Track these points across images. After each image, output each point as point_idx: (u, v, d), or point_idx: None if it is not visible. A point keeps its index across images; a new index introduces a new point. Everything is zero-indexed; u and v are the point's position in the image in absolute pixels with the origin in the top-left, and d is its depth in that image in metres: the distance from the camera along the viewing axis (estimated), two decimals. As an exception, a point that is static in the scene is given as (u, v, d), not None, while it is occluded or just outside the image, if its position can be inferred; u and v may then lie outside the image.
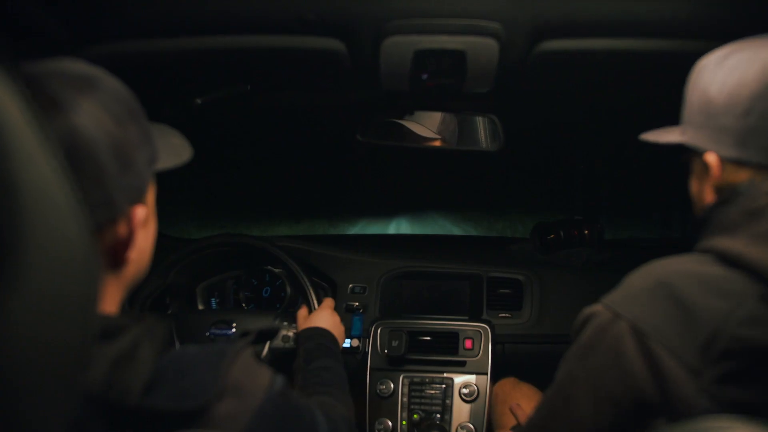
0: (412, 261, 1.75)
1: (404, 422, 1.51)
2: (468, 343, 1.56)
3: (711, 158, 0.80)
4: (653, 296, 0.71)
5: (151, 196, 0.73)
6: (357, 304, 1.68)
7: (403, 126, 1.37)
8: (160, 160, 0.73)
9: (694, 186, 0.88)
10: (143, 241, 0.71)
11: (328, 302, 1.42)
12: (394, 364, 1.56)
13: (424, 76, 1.13)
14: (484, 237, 2.49)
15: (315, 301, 1.45)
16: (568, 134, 2.23)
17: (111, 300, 0.70)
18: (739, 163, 0.77)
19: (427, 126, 1.37)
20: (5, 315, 0.45)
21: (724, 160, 0.79)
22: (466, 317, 1.64)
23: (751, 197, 0.72)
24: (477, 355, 1.54)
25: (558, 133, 2.25)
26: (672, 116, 1.03)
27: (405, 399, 1.53)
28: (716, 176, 0.80)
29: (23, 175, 0.47)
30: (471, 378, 1.53)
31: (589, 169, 2.28)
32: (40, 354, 0.49)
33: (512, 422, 1.34)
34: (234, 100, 1.55)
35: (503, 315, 1.67)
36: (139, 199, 0.67)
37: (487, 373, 1.53)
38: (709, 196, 0.82)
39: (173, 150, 0.78)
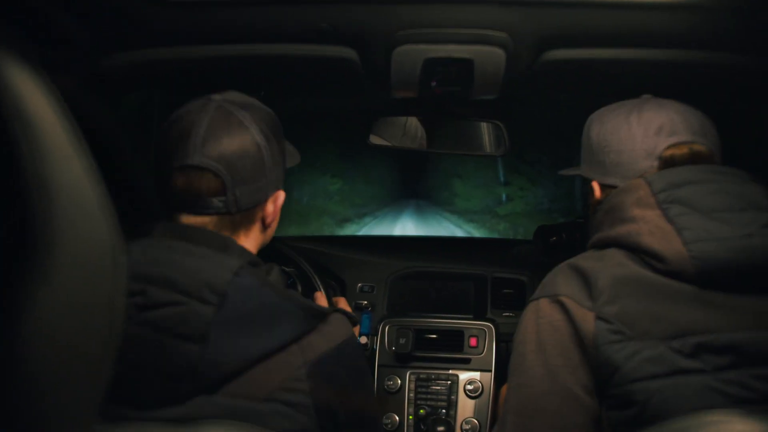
0: (418, 261, 1.80)
1: (411, 417, 1.55)
2: (473, 341, 1.60)
3: (594, 183, 1.13)
4: (556, 278, 1.00)
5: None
6: (366, 302, 1.73)
7: (411, 130, 1.41)
8: (288, 160, 1.04)
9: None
10: (276, 214, 1.02)
11: (343, 301, 1.48)
12: (401, 360, 1.61)
13: (433, 84, 1.18)
14: (488, 239, 2.53)
15: (327, 301, 1.50)
16: (571, 139, 2.26)
17: (253, 250, 0.98)
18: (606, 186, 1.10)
19: (435, 130, 1.42)
20: (38, 308, 0.49)
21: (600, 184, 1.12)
22: (471, 316, 1.68)
23: (606, 201, 1.04)
24: (481, 353, 1.59)
25: (561, 137, 2.29)
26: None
27: (411, 394, 1.57)
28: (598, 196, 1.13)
29: (58, 176, 0.51)
30: (476, 375, 1.57)
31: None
32: (70, 344, 0.53)
33: None
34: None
35: (507, 314, 1.71)
36: (280, 186, 0.99)
37: (491, 371, 1.57)
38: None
39: (291, 154, 1.08)
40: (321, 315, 0.90)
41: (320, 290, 1.51)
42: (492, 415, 1.53)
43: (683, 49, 1.13)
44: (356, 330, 1.43)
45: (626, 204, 0.99)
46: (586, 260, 0.98)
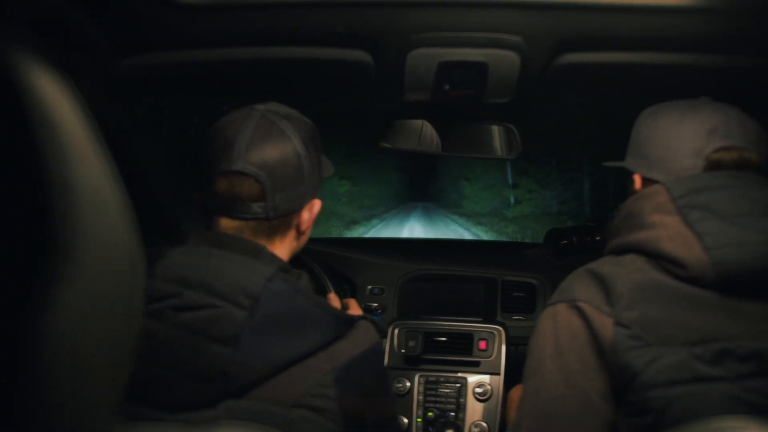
0: (428, 264, 1.80)
1: (419, 419, 1.55)
2: (482, 344, 1.60)
3: (636, 176, 1.11)
4: (571, 285, 0.98)
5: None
6: (375, 305, 1.73)
7: (423, 133, 1.41)
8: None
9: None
10: (310, 223, 1.04)
11: (354, 303, 1.48)
12: (410, 363, 1.61)
13: (447, 87, 1.18)
14: (497, 242, 2.53)
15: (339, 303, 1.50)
16: (578, 140, 2.27)
17: (287, 257, 1.01)
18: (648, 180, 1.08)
19: (447, 133, 1.42)
20: (59, 309, 0.49)
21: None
22: (481, 319, 1.68)
23: (624, 206, 1.03)
24: (491, 356, 1.59)
25: (572, 140, 2.29)
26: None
27: (420, 397, 1.57)
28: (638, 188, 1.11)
29: (79, 179, 0.52)
30: (485, 378, 1.57)
31: (598, 174, 2.31)
32: (90, 345, 0.53)
33: None
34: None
35: (517, 318, 1.71)
36: (316, 195, 1.03)
37: (500, 374, 1.57)
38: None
39: (325, 165, 1.11)
40: (350, 322, 0.92)
41: (332, 292, 1.52)
42: (501, 419, 1.53)
43: (698, 53, 1.13)
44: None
45: (645, 210, 0.98)
46: (604, 265, 0.97)
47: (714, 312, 0.86)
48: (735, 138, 1.01)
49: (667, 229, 0.92)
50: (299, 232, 1.02)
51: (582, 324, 0.92)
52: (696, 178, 0.97)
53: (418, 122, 1.43)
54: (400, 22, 1.03)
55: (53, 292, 0.50)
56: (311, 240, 1.98)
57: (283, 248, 0.99)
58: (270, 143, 0.94)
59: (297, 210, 0.98)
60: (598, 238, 1.77)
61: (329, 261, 1.76)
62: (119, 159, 0.68)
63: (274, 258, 0.92)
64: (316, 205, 1.03)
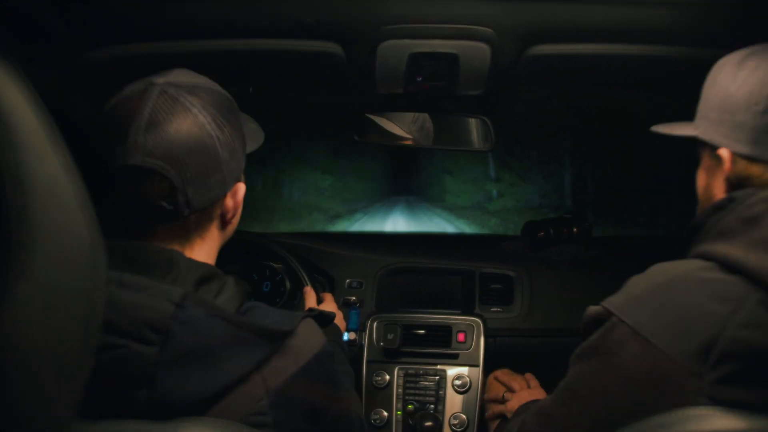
0: (407, 257, 1.80)
1: (399, 412, 1.56)
2: (461, 337, 1.61)
3: (724, 153, 0.83)
4: (655, 300, 0.73)
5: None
6: (354, 298, 1.73)
7: (398, 126, 1.41)
8: (248, 145, 0.92)
9: (701, 179, 0.91)
10: (237, 209, 0.92)
11: (330, 297, 1.48)
12: (389, 356, 1.61)
13: (419, 79, 1.18)
14: (477, 235, 2.54)
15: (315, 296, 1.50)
16: (554, 134, 2.28)
17: (213, 253, 0.90)
18: (751, 159, 0.80)
19: (423, 126, 1.42)
20: (15, 304, 0.48)
21: (736, 156, 0.82)
22: (459, 312, 1.69)
23: (747, 205, 0.75)
24: (469, 348, 1.60)
25: (548, 132, 2.30)
26: (658, 116, 1.08)
27: (400, 390, 1.58)
28: (728, 170, 0.83)
29: (34, 173, 0.51)
30: (464, 370, 1.58)
31: (578, 167, 2.33)
32: (48, 340, 0.52)
33: (500, 408, 1.40)
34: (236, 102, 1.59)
35: (495, 309, 1.72)
36: (239, 177, 0.88)
37: (479, 366, 1.58)
38: (718, 190, 0.86)
39: (253, 134, 0.97)
40: (282, 334, 0.79)
41: (308, 285, 1.51)
42: (480, 410, 1.54)
43: (667, 45, 1.14)
44: (342, 325, 1.42)
45: None
46: (704, 293, 0.71)
47: None
48: None
49: None
50: (224, 223, 0.89)
51: (646, 379, 0.71)
52: None
53: (394, 115, 1.43)
54: (369, 14, 1.03)
55: (9, 288, 0.49)
56: (289, 234, 1.97)
57: (205, 247, 0.87)
58: (173, 126, 0.78)
59: (216, 201, 0.84)
60: (575, 230, 1.78)
61: (306, 255, 1.75)
62: (84, 152, 0.68)
63: (191, 267, 0.80)
64: (240, 190, 0.89)
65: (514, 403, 1.40)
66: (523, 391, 1.44)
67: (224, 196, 0.86)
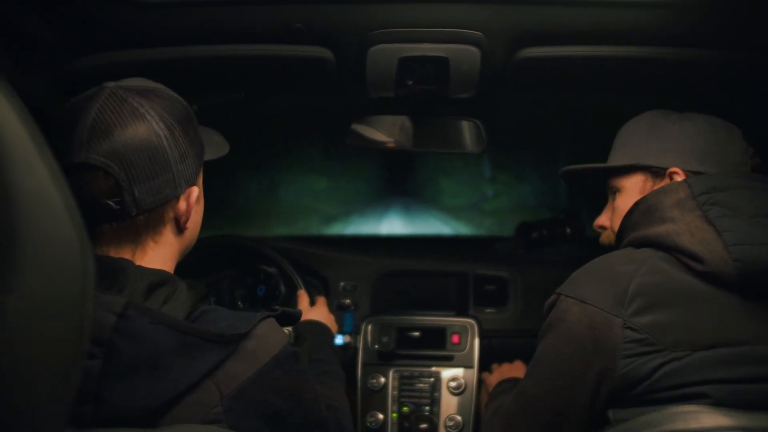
0: (401, 260, 1.81)
1: (394, 415, 1.56)
2: (455, 338, 1.61)
3: (677, 170, 1.08)
4: (587, 276, 0.98)
5: (200, 179, 0.92)
6: (348, 301, 1.73)
7: (390, 130, 1.41)
8: (207, 153, 0.93)
9: (627, 203, 1.11)
10: (196, 215, 0.91)
11: (323, 300, 1.49)
12: (384, 359, 1.61)
13: (410, 83, 1.18)
14: (471, 236, 2.54)
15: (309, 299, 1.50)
16: (549, 134, 2.28)
17: (169, 260, 0.89)
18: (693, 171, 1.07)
19: (415, 129, 1.42)
20: (3, 313, 0.48)
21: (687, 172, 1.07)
22: (454, 313, 1.69)
23: (644, 201, 1.02)
24: (464, 350, 1.60)
25: (541, 133, 2.31)
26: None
27: (395, 392, 1.58)
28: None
29: (20, 181, 0.51)
30: (459, 372, 1.58)
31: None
32: (37, 350, 0.52)
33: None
34: (229, 107, 1.60)
35: (489, 311, 1.72)
36: (193, 182, 0.88)
37: (473, 367, 1.58)
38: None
39: (216, 145, 0.99)
40: (237, 338, 0.77)
41: (302, 289, 1.52)
42: (476, 412, 1.54)
43: (655, 46, 1.14)
44: (334, 327, 1.42)
45: (665, 204, 0.97)
46: (619, 261, 0.96)
47: (730, 313, 0.85)
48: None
49: (687, 224, 0.91)
50: (180, 228, 0.88)
51: (586, 331, 0.90)
52: (718, 177, 0.98)
53: (386, 119, 1.43)
54: (358, 19, 1.03)
55: (-1, 300, 0.49)
56: (283, 238, 1.97)
57: (160, 252, 0.86)
58: (119, 125, 0.78)
59: (167, 201, 0.84)
60: (568, 230, 1.79)
61: (301, 258, 1.75)
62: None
63: (141, 274, 0.79)
64: (194, 192, 0.88)
65: (494, 378, 1.43)
66: (504, 366, 1.48)
67: (176, 198, 0.85)
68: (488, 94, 1.27)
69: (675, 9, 1.03)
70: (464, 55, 1.10)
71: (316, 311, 1.42)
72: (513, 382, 1.34)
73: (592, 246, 1.80)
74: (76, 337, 0.57)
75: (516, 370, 1.47)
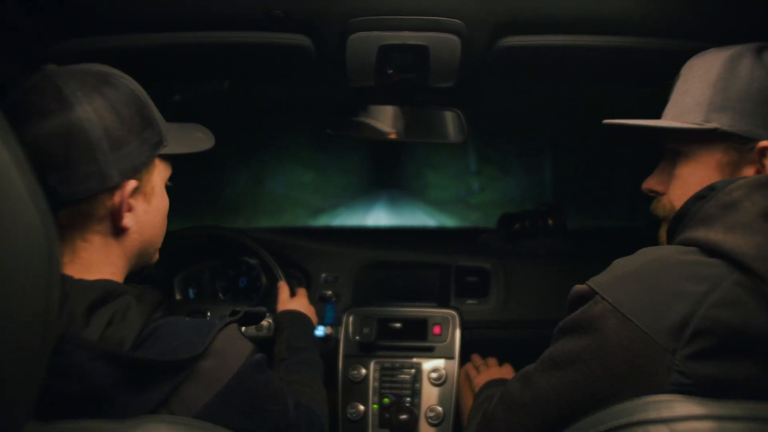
0: (383, 252, 1.80)
1: (375, 406, 1.56)
2: (437, 329, 1.61)
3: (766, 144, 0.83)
4: (635, 280, 0.75)
5: (156, 176, 0.85)
6: (330, 293, 1.73)
7: (371, 119, 1.41)
8: (168, 147, 0.85)
9: (699, 176, 0.89)
10: (144, 214, 0.83)
11: (303, 292, 1.48)
12: (365, 350, 1.61)
13: (390, 71, 1.17)
14: (455, 228, 2.54)
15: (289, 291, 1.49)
16: (535, 126, 2.29)
17: (113, 265, 0.81)
18: None
19: (396, 119, 1.42)
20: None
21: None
22: (435, 305, 1.69)
23: (727, 191, 0.77)
24: (445, 341, 1.60)
25: (526, 126, 2.31)
26: (632, 107, 1.08)
27: (376, 384, 1.58)
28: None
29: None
30: (440, 363, 1.58)
31: (559, 160, 2.34)
32: (2, 338, 0.51)
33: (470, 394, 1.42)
34: (212, 97, 1.58)
35: (471, 302, 1.72)
36: (132, 174, 0.79)
37: (455, 358, 1.58)
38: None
39: (198, 141, 0.92)
40: (191, 360, 0.71)
41: (282, 280, 1.51)
42: (456, 403, 1.54)
43: (637, 36, 1.14)
44: (315, 320, 1.41)
45: (756, 207, 0.73)
46: (683, 272, 0.73)
47: None
48: None
49: None
50: (118, 228, 0.79)
51: (623, 355, 0.72)
52: None
53: (367, 108, 1.42)
54: (337, 6, 1.02)
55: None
56: (264, 230, 1.95)
57: (97, 255, 0.79)
58: (37, 108, 0.73)
59: (92, 195, 0.76)
60: (551, 221, 1.79)
61: (281, 250, 1.74)
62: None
63: (80, 290, 0.72)
64: (129, 186, 0.79)
65: (482, 378, 1.42)
66: (493, 368, 1.46)
67: (107, 192, 0.77)
68: (470, 83, 1.26)
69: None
70: (444, 43, 1.09)
71: (296, 302, 1.42)
72: (502, 383, 1.26)
73: (574, 239, 1.82)
74: (42, 324, 0.56)
75: (504, 372, 1.45)
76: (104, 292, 0.73)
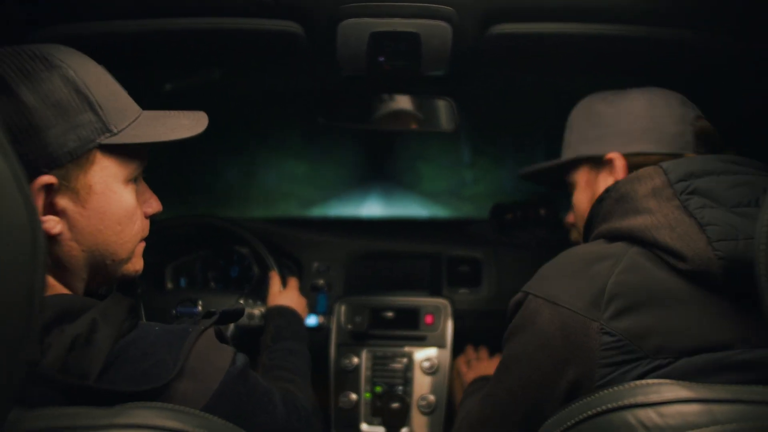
0: (375, 242, 1.80)
1: (367, 394, 1.56)
2: (429, 319, 1.61)
3: (615, 156, 1.05)
4: (557, 273, 0.89)
5: (97, 172, 0.72)
6: (322, 282, 1.73)
7: (362, 108, 1.40)
8: (128, 136, 0.74)
9: (585, 198, 1.11)
10: (80, 218, 0.71)
11: (294, 282, 1.48)
12: (357, 339, 1.61)
13: (381, 59, 1.16)
14: (446, 219, 2.55)
15: (281, 281, 1.49)
16: (529, 119, 2.28)
17: (65, 280, 0.71)
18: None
19: (387, 108, 1.41)
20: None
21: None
22: (427, 293, 1.69)
23: (617, 188, 0.93)
24: (437, 330, 1.60)
25: (519, 117, 2.31)
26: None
27: (368, 372, 1.58)
28: (622, 167, 1.04)
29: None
30: (432, 352, 1.59)
31: (553, 153, 2.34)
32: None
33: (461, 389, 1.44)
34: (203, 88, 1.57)
35: (462, 291, 1.73)
36: (47, 167, 0.67)
37: (447, 347, 1.58)
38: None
39: (167, 130, 0.78)
40: (164, 387, 0.64)
41: (274, 269, 1.50)
42: (448, 392, 1.55)
43: (630, 24, 1.14)
44: (305, 311, 1.41)
45: (639, 193, 0.88)
46: (591, 256, 0.87)
47: (714, 314, 0.77)
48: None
49: (666, 217, 0.82)
50: (48, 235, 0.68)
51: (559, 337, 0.82)
52: (695, 162, 0.89)
53: (358, 97, 1.41)
54: (328, -9, 1.01)
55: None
56: (256, 220, 1.95)
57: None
58: None
59: None
60: (542, 212, 1.80)
61: (273, 239, 1.74)
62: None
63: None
64: (41, 181, 0.67)
65: (470, 374, 1.43)
66: (483, 363, 1.47)
67: None
68: (462, 72, 1.26)
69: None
70: (435, 30, 1.08)
71: (287, 294, 1.42)
72: (487, 380, 1.31)
73: (565, 229, 1.82)
74: (26, 313, 0.55)
75: (493, 366, 1.46)
76: (60, 310, 0.64)
